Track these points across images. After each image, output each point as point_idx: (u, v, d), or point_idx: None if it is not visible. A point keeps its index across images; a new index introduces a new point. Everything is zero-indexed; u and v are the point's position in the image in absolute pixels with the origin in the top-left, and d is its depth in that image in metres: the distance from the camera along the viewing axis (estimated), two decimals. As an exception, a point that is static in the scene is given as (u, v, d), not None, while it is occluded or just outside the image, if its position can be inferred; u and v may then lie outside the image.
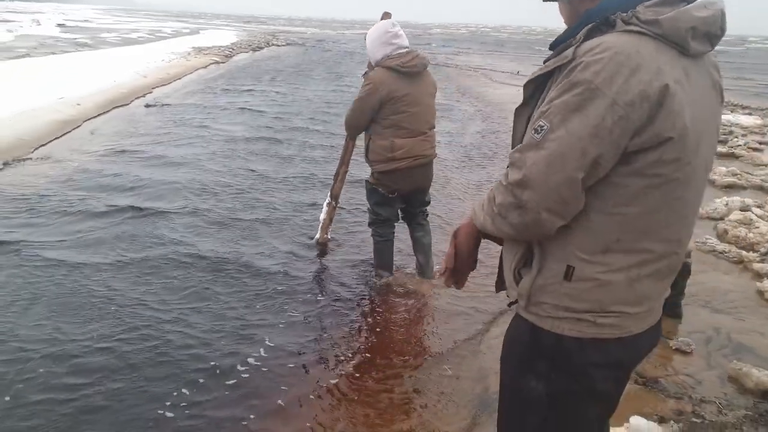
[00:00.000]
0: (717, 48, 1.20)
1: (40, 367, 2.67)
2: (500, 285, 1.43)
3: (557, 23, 1.31)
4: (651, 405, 2.58)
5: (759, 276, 4.05)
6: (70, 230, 4.32)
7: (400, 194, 3.49)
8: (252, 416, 2.45)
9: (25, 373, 2.62)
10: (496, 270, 1.46)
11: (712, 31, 1.13)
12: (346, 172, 4.11)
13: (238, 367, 2.76)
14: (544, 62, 1.20)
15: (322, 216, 4.26)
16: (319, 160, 6.86)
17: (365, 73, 3.44)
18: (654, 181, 1.11)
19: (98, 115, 9.06)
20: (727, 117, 11.73)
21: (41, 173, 5.77)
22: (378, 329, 3.22)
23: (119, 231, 4.34)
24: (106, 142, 7.26)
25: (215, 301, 3.39)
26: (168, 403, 2.47)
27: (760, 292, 3.79)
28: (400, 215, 3.69)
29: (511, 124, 1.34)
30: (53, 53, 17.61)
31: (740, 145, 8.59)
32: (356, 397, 2.60)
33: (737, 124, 10.97)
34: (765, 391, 2.67)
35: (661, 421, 2.45)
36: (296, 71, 17.58)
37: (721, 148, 8.51)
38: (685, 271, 3.22)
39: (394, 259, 3.78)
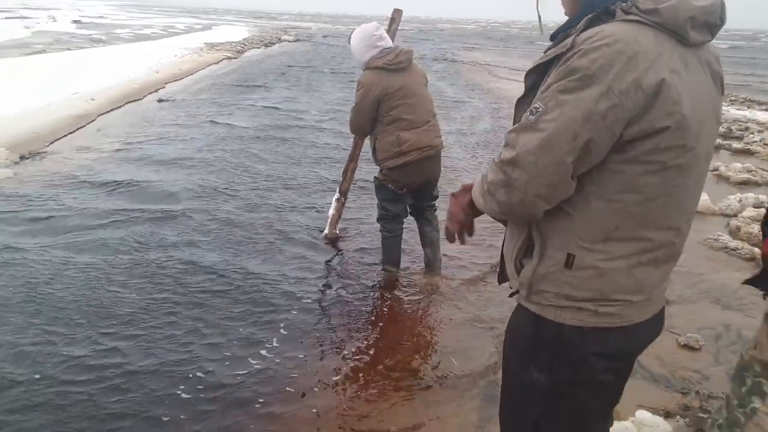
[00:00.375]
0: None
1: (63, 350, 2.76)
2: (502, 277, 1.44)
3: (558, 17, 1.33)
4: (657, 400, 2.57)
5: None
6: (83, 225, 4.39)
7: (410, 189, 3.51)
8: (262, 401, 2.50)
9: (50, 357, 2.71)
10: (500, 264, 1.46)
11: (712, 21, 1.13)
12: (354, 169, 4.14)
13: (250, 360, 2.80)
14: (545, 52, 1.21)
15: (331, 211, 4.30)
16: (329, 159, 6.87)
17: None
18: (651, 168, 1.12)
19: (111, 109, 9.17)
20: (743, 113, 11.57)
21: (55, 167, 5.86)
22: (385, 323, 3.24)
23: (132, 227, 4.39)
24: (118, 137, 7.35)
25: (226, 295, 3.44)
26: (183, 386, 2.55)
27: (772, 289, 3.75)
28: (408, 210, 3.70)
29: None
30: (68, 49, 17.84)
31: (756, 141, 8.47)
32: (363, 389, 2.63)
33: (753, 120, 10.81)
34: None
35: (668, 415, 2.44)
36: (307, 67, 17.61)
37: (736, 144, 8.41)
38: None
39: (403, 250, 3.80)
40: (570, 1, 1.25)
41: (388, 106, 3.31)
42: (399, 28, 3.90)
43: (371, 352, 2.94)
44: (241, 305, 3.31)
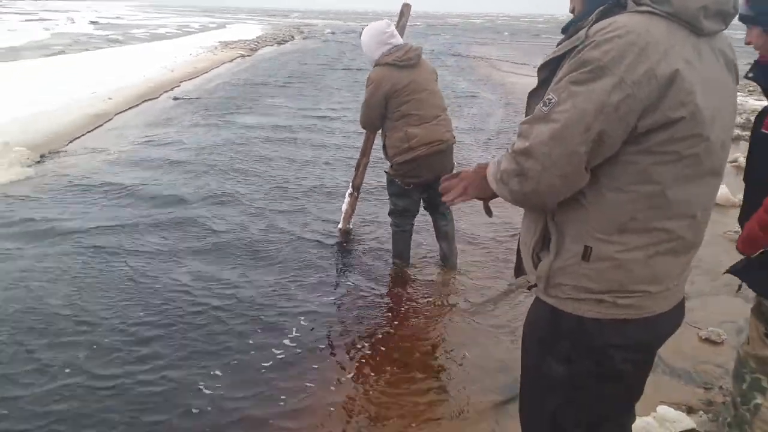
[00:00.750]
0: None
1: (104, 337, 2.90)
2: (519, 270, 1.43)
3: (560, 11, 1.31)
4: (679, 395, 2.53)
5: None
6: (104, 216, 4.47)
7: (418, 185, 3.49)
8: (283, 396, 2.52)
9: (93, 336, 2.89)
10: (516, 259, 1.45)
11: (725, 10, 1.13)
12: (366, 163, 4.14)
13: (269, 353, 2.84)
14: (557, 45, 1.21)
15: (344, 206, 4.30)
16: (340, 161, 6.83)
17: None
18: (666, 158, 1.11)
19: (128, 108, 9.28)
20: (762, 103, 11.28)
21: (75, 165, 5.95)
22: (400, 317, 3.24)
23: (152, 218, 4.47)
24: (134, 137, 7.43)
25: (246, 287, 3.49)
26: (203, 382, 2.59)
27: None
28: (422, 205, 3.69)
29: None
30: (86, 50, 18.09)
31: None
32: (381, 385, 2.63)
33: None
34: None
35: (690, 411, 2.40)
36: (321, 65, 17.64)
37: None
38: None
39: (421, 245, 3.80)
40: None
41: (397, 102, 3.32)
42: (408, 23, 3.89)
43: (385, 344, 2.94)
44: (255, 306, 3.34)
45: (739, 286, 1.93)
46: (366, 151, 4.07)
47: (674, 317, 1.30)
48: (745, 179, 1.87)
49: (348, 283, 3.64)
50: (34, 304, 3.18)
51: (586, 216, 1.19)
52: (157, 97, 10.49)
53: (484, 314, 3.28)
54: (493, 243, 4.24)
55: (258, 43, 24.08)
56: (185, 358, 2.75)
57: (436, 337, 3.05)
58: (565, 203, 1.19)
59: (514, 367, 2.59)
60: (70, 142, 6.98)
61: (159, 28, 35.23)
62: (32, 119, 7.41)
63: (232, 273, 3.67)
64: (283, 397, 2.52)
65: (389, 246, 3.90)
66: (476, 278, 3.71)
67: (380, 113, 3.41)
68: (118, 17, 51.12)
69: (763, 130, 1.72)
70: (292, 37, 30.32)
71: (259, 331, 3.02)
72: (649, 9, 1.09)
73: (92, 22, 38.33)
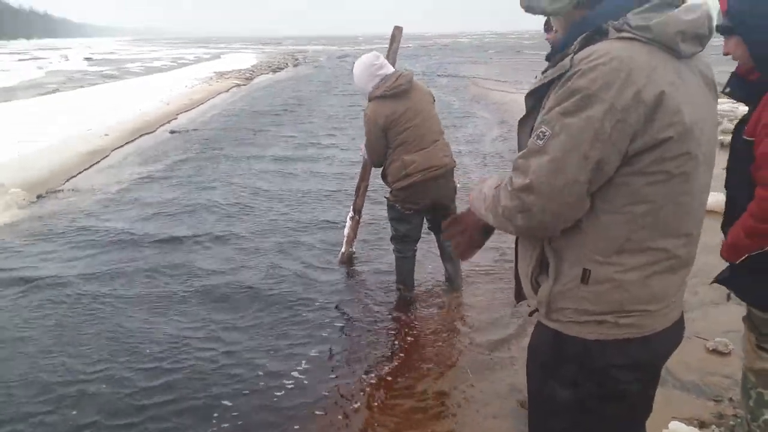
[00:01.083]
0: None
1: (101, 384, 2.85)
2: (520, 296, 1.44)
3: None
4: (690, 409, 2.50)
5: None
6: (103, 260, 4.43)
7: (418, 210, 3.49)
8: (290, 423, 2.53)
9: (85, 388, 2.80)
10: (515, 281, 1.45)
11: (701, 33, 1.17)
12: (366, 186, 4.17)
13: (277, 382, 2.85)
14: (542, 73, 1.23)
15: (346, 230, 4.31)
16: (342, 192, 6.73)
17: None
18: (657, 178, 1.14)
19: (125, 144, 9.33)
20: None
21: (72, 204, 5.95)
22: (407, 341, 3.22)
23: (151, 260, 4.42)
24: (131, 172, 7.43)
25: (250, 317, 3.51)
26: (225, 400, 2.67)
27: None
28: (426, 227, 3.69)
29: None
30: (81, 86, 18.28)
31: None
32: (389, 411, 2.60)
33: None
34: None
35: (702, 425, 2.37)
36: (314, 90, 17.82)
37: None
38: None
39: (427, 268, 3.81)
40: (562, 22, 1.28)
41: (395, 132, 3.34)
42: (400, 46, 3.95)
43: (392, 369, 2.93)
44: (267, 326, 3.33)
45: (728, 295, 1.92)
46: (364, 176, 4.12)
47: (675, 334, 1.30)
48: (726, 186, 1.88)
49: (348, 307, 3.63)
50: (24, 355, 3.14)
51: (583, 239, 1.20)
52: (153, 131, 10.56)
53: (490, 336, 3.25)
54: (497, 265, 4.20)
55: (253, 71, 24.35)
56: (199, 390, 2.77)
57: (444, 363, 3.02)
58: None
59: (524, 390, 2.57)
60: (67, 180, 6.99)
61: (154, 61, 35.69)
62: (28, 159, 7.43)
63: (238, 304, 3.67)
64: (289, 416, 2.56)
65: (390, 268, 3.90)
66: (481, 303, 3.68)
67: (383, 146, 3.42)
68: (111, 52, 51.80)
69: (744, 137, 1.73)
70: (287, 64, 30.68)
71: (267, 363, 3.01)
72: (631, 35, 1.12)
73: (86, 59, 38.86)
